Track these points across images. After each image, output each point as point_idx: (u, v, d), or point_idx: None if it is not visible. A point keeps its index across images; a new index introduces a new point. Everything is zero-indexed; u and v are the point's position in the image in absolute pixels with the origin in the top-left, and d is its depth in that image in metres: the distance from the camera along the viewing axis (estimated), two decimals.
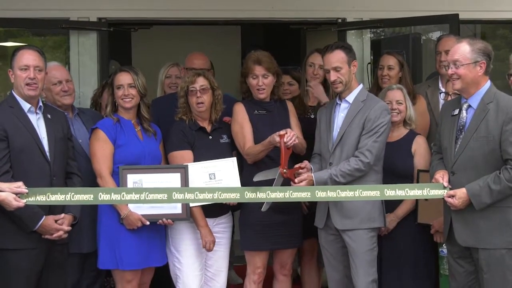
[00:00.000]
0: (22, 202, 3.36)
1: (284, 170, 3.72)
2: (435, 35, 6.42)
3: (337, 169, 3.80)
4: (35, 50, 3.73)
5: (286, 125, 4.13)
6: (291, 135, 3.81)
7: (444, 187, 3.61)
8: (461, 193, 3.55)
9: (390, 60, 4.74)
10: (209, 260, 4.19)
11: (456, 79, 3.60)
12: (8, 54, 6.10)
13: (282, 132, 3.82)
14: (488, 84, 3.65)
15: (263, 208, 3.76)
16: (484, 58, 3.58)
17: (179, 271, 4.11)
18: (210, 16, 6.04)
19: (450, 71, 3.61)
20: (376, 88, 4.77)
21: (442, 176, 3.64)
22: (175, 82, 4.93)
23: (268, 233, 4.11)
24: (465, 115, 3.65)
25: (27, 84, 3.64)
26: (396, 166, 4.07)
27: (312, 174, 3.83)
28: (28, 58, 3.67)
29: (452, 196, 3.57)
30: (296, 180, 3.78)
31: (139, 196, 3.50)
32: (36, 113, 3.71)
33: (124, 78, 4.06)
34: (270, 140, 3.91)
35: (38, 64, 3.69)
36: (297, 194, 3.63)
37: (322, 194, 3.62)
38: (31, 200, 3.40)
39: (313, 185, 3.77)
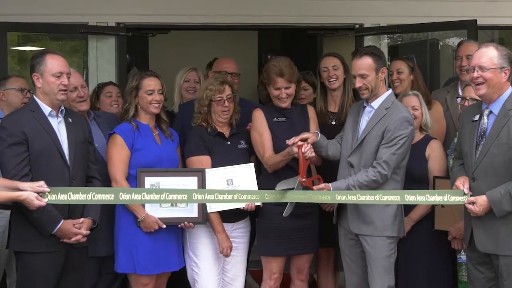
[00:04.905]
0: (43, 201, 3.35)
1: (303, 179, 3.73)
2: (452, 41, 6.41)
3: (355, 179, 3.79)
4: (62, 55, 3.75)
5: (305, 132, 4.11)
6: (309, 147, 3.80)
7: (465, 194, 3.57)
8: (481, 200, 3.51)
9: (398, 64, 4.72)
10: (226, 264, 4.18)
11: (481, 83, 3.55)
12: (26, 58, 6.14)
13: (300, 143, 3.81)
14: (510, 90, 3.61)
15: (285, 213, 3.74)
16: (509, 65, 3.56)
17: (197, 275, 4.10)
18: (227, 21, 6.07)
19: (475, 74, 3.56)
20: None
21: (462, 183, 3.60)
22: (194, 86, 4.94)
23: (285, 238, 4.10)
24: (486, 121, 3.61)
25: (60, 90, 3.65)
26: (411, 170, 4.03)
27: (330, 184, 3.81)
28: (61, 64, 3.68)
29: (472, 203, 3.54)
30: (314, 188, 3.77)
31: (160, 197, 3.49)
32: (58, 117, 3.71)
33: (155, 83, 4.07)
34: (289, 151, 3.90)
35: (69, 71, 3.73)
36: (317, 197, 3.63)
37: (342, 197, 3.62)
38: (53, 199, 3.38)
39: None
